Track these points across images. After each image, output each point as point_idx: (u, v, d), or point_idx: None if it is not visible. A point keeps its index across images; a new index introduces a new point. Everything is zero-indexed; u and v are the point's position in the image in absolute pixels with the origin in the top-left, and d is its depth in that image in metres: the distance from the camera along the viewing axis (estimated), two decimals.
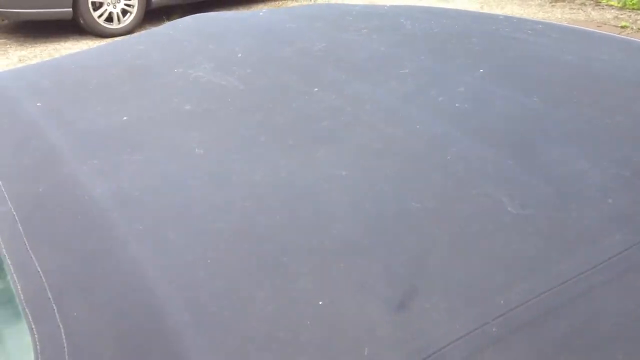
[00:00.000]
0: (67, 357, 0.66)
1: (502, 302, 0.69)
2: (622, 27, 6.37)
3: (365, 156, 0.92)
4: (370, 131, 0.98)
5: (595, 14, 6.87)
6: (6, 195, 0.90)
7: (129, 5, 6.79)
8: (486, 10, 7.29)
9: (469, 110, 0.99)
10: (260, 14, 1.65)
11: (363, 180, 0.87)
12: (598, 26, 6.47)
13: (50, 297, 0.72)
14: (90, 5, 6.57)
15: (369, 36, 1.36)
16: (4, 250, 0.80)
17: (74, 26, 6.73)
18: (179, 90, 1.17)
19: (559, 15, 6.90)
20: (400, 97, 1.06)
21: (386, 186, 0.86)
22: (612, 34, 1.54)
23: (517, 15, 6.97)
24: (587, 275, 0.71)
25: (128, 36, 1.64)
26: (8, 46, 6.53)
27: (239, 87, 1.15)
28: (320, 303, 0.69)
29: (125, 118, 1.08)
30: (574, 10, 7.04)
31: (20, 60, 6.02)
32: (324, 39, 1.35)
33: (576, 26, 1.52)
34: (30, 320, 0.70)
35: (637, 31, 6.25)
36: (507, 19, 1.54)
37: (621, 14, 6.74)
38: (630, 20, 6.53)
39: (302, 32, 1.42)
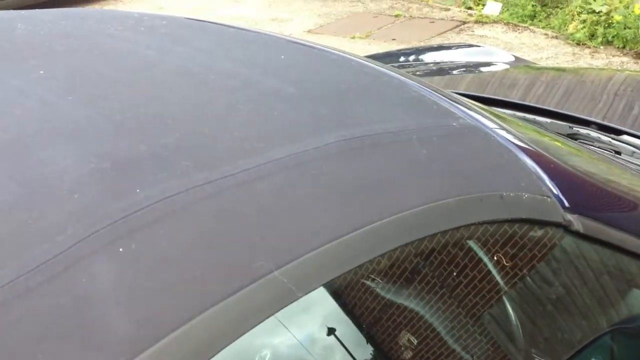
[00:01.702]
0: None
1: None
2: (395, 15, 6.74)
3: None
4: None
5: (372, 5, 7.21)
6: None
7: None
8: (274, 8, 7.42)
9: None
10: None
11: None
12: (375, 17, 6.80)
13: None
14: None
15: None
16: None
17: None
18: None
19: (340, 9, 7.16)
20: None
21: None
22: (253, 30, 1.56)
23: (302, 10, 7.14)
24: (25, 277, 0.69)
25: None
26: None
27: None
28: None
29: None
30: (354, 3, 7.34)
31: None
32: None
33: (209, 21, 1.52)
34: None
35: (410, 19, 6.64)
36: (120, 16, 1.49)
37: (396, 4, 7.13)
38: (404, 9, 6.92)
39: None
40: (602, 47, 5.40)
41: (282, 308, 0.76)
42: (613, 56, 5.24)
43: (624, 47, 5.31)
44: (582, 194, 1.06)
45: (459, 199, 0.91)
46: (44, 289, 0.69)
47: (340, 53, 1.28)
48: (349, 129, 0.96)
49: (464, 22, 6.31)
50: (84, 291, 0.69)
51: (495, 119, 1.13)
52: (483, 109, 1.18)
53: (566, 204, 1.00)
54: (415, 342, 0.95)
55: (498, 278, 0.98)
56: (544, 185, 1.00)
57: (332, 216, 0.84)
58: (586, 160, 1.26)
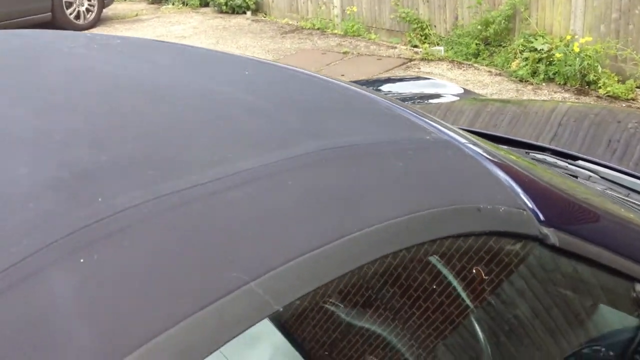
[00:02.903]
0: None
1: None
2: (344, 52, 6.81)
3: None
4: None
5: (320, 42, 7.28)
6: None
7: None
8: (221, 43, 7.41)
9: None
10: None
11: None
12: (323, 53, 6.86)
13: None
14: None
15: None
16: None
17: None
18: None
19: (288, 46, 7.20)
20: None
21: None
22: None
23: (251, 46, 7.14)
24: None
25: None
26: None
27: None
28: None
29: None
30: (302, 40, 7.40)
31: None
32: None
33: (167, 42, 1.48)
34: None
35: (357, 56, 6.73)
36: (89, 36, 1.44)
37: (343, 41, 7.21)
38: (351, 46, 7.01)
39: None
40: (544, 83, 5.57)
41: (258, 321, 0.71)
42: (555, 92, 5.40)
43: (565, 84, 5.48)
44: (556, 207, 1.05)
45: (436, 211, 0.88)
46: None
47: (307, 71, 1.25)
48: (322, 140, 0.92)
49: (411, 60, 6.42)
50: (41, 305, 0.63)
51: (465, 134, 1.12)
52: (451, 126, 1.16)
53: (541, 217, 0.98)
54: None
55: (475, 292, 0.95)
56: (519, 199, 0.98)
57: (308, 227, 0.79)
58: (556, 176, 1.26)
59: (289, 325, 0.90)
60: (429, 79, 3.55)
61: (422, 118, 1.10)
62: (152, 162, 0.81)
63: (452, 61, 6.27)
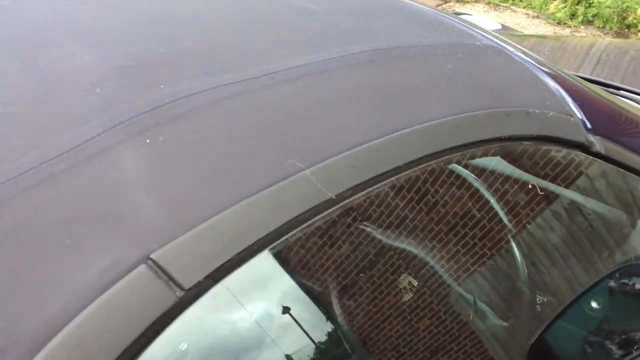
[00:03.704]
0: None
1: None
2: None
3: None
4: None
5: None
6: None
7: None
8: None
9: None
10: None
11: None
12: None
13: None
14: None
15: None
16: None
17: None
18: None
19: None
20: None
21: None
22: None
23: None
24: (48, 164, 0.66)
25: None
26: None
27: None
28: None
29: None
30: None
31: None
32: None
33: None
34: None
35: None
36: None
37: None
38: None
39: None
40: (582, 26, 5.44)
41: (311, 207, 0.73)
42: (594, 35, 5.27)
43: (604, 27, 5.35)
44: (603, 116, 1.05)
45: (486, 112, 0.89)
46: (68, 177, 0.66)
47: None
48: (375, 41, 0.93)
49: (445, 1, 6.29)
50: (110, 180, 0.67)
51: (514, 44, 1.12)
52: (499, 36, 1.16)
53: (588, 125, 0.98)
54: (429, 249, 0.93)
55: (519, 195, 0.97)
56: (567, 106, 0.98)
57: (362, 120, 0.81)
58: (603, 91, 1.26)
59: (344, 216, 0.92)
60: (465, 13, 3.50)
61: (471, 27, 1.10)
62: (209, 56, 0.83)
63: (489, 3, 6.13)
